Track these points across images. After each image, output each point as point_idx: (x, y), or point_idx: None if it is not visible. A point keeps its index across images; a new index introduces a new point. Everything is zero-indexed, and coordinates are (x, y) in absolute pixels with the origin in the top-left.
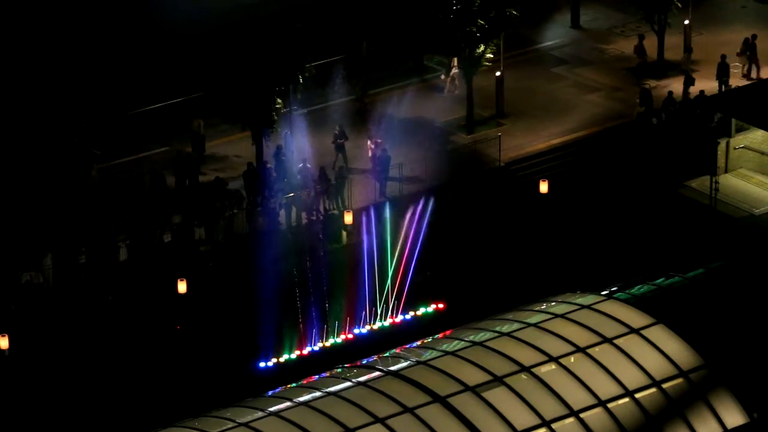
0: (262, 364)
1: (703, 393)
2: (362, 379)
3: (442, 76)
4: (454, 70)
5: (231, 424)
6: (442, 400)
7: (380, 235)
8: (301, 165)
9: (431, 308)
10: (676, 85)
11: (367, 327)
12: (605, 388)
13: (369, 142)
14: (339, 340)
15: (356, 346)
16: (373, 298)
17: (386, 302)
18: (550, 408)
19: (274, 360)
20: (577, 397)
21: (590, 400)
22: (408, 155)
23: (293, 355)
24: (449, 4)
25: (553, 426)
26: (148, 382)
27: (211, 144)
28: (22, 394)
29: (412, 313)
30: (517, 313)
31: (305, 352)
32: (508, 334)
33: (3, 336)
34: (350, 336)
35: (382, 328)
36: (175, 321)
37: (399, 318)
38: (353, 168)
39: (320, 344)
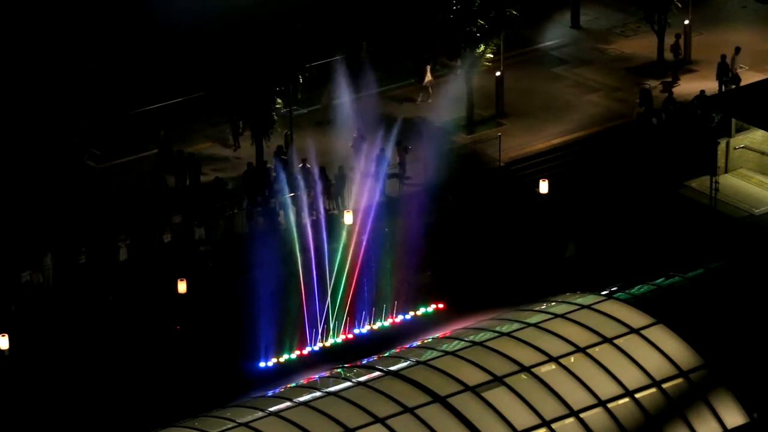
0: (261, 364)
1: (703, 393)
2: (362, 379)
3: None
4: (428, 78)
5: (231, 424)
6: (442, 400)
7: (380, 234)
8: (300, 165)
9: (431, 308)
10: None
11: (367, 327)
12: (605, 388)
13: (397, 148)
14: (339, 340)
15: (356, 346)
16: (374, 298)
17: (386, 302)
18: (550, 408)
19: (274, 360)
20: (577, 397)
21: (590, 400)
22: (407, 155)
23: (293, 355)
24: (449, 4)
25: (553, 426)
26: (148, 382)
27: (211, 144)
28: (22, 394)
29: (412, 313)
30: (517, 313)
31: (305, 352)
32: (508, 334)
33: (3, 336)
34: (350, 336)
35: (382, 328)
36: (175, 321)
37: (399, 318)
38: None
39: (320, 344)
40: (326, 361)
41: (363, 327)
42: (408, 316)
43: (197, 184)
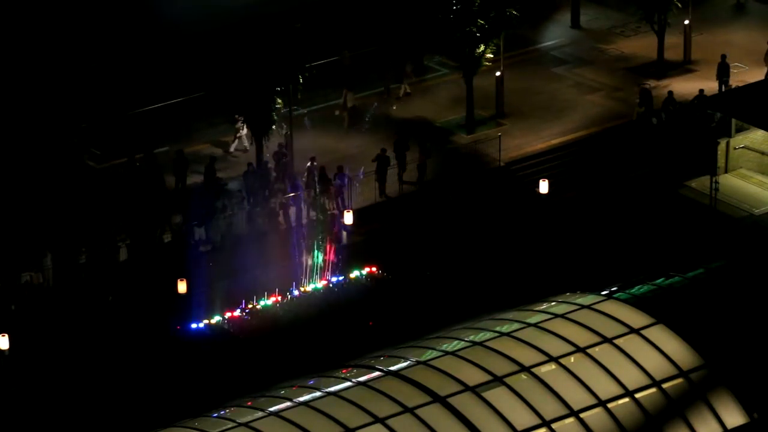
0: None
1: (703, 393)
2: (362, 379)
3: (337, 112)
4: (350, 103)
5: (231, 424)
6: (442, 400)
7: (379, 234)
8: (309, 164)
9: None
10: (676, 85)
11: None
12: (605, 388)
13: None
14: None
15: (354, 346)
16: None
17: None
18: (550, 408)
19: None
20: (577, 397)
21: (590, 400)
22: (407, 156)
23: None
24: (449, 4)
25: (553, 426)
26: (148, 382)
27: (210, 144)
28: (22, 394)
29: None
30: (517, 313)
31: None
32: (508, 334)
33: (3, 336)
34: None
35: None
36: (175, 320)
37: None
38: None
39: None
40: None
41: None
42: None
43: (214, 183)
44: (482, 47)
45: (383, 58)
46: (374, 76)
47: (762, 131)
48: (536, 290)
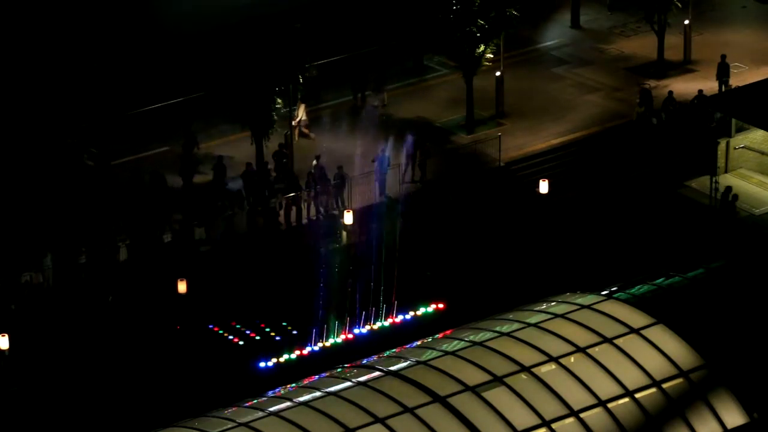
0: (262, 364)
1: (703, 393)
2: (362, 379)
3: (293, 122)
4: (301, 116)
5: (231, 424)
6: (442, 400)
7: (379, 234)
8: (315, 163)
9: (431, 308)
10: (676, 85)
11: (367, 327)
12: (605, 388)
13: (418, 153)
14: (339, 340)
15: (356, 346)
16: (374, 298)
17: (386, 302)
18: (550, 408)
19: (274, 360)
20: (577, 397)
21: (590, 400)
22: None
23: (293, 356)
24: (449, 4)
25: (553, 426)
26: (148, 382)
27: (211, 144)
28: (22, 394)
29: (412, 313)
30: (517, 313)
31: (305, 352)
32: (508, 334)
33: (3, 336)
34: (350, 336)
35: (382, 328)
36: (176, 321)
37: (399, 318)
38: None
39: (320, 344)
40: (326, 361)
41: (363, 327)
42: (408, 316)
43: (222, 183)
44: (482, 47)
45: (361, 67)
46: (349, 84)
47: (762, 131)
48: (536, 290)
